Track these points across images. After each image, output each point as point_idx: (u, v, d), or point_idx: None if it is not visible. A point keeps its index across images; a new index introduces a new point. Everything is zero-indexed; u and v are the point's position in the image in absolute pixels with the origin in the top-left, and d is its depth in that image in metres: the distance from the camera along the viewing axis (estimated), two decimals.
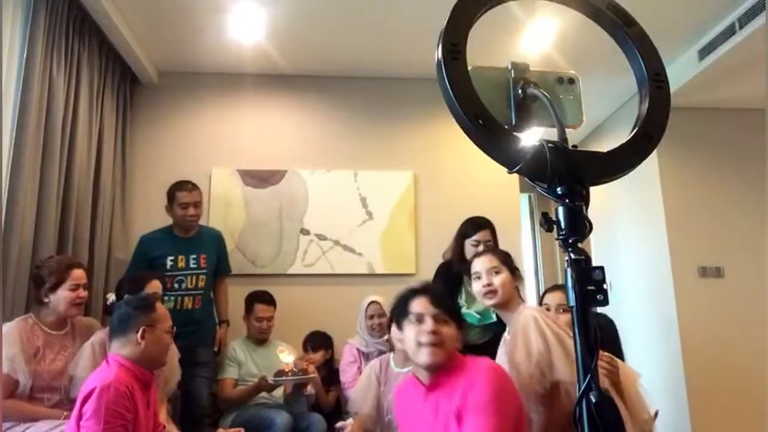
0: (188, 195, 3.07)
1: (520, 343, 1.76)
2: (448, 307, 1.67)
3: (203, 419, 2.98)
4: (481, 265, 1.98)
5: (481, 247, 2.68)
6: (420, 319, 1.62)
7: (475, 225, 2.78)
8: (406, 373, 2.26)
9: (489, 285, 1.90)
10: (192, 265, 3.09)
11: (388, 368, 2.38)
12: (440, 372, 1.60)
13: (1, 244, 2.31)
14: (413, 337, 1.61)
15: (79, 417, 1.68)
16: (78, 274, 2.35)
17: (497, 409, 1.44)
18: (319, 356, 3.29)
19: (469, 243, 2.75)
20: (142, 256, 3.09)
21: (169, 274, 3.03)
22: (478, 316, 2.70)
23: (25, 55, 2.58)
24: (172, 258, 3.06)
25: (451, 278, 2.79)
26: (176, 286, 3.05)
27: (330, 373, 3.28)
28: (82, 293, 2.34)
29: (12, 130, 2.51)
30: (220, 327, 3.24)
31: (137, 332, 1.83)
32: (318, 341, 3.38)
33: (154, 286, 2.60)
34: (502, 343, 2.03)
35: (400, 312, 1.70)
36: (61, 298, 2.28)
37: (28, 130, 2.54)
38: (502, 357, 2.02)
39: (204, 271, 3.13)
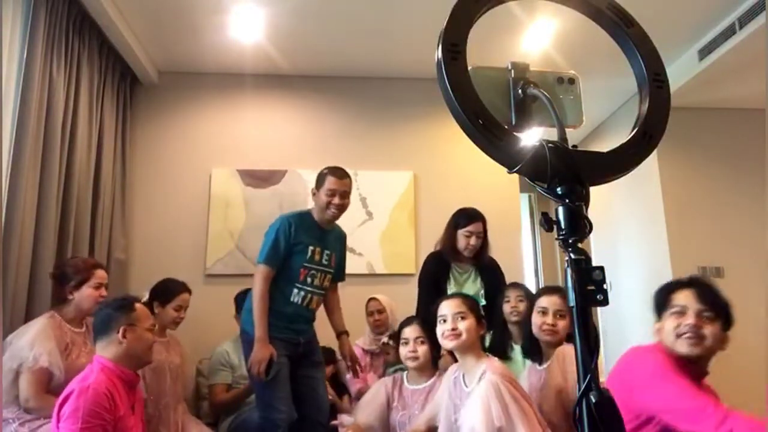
0: (338, 182, 2.64)
1: (481, 412, 1.76)
2: (717, 304, 1.63)
3: (319, 428, 2.60)
4: (447, 308, 2.04)
5: (473, 239, 2.78)
6: (683, 311, 1.61)
7: (468, 216, 2.84)
8: (421, 389, 2.25)
9: (454, 329, 1.97)
10: (324, 262, 2.68)
11: (402, 386, 2.35)
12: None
13: (1, 244, 2.31)
14: (672, 329, 1.60)
15: (59, 420, 1.69)
16: (101, 273, 2.47)
17: None
18: (328, 371, 3.28)
19: (461, 234, 2.81)
20: (287, 238, 2.61)
21: (306, 265, 2.62)
22: None
23: (25, 55, 2.59)
24: (312, 248, 2.64)
25: (440, 266, 2.85)
26: (309, 280, 2.62)
27: (337, 387, 3.27)
28: (104, 292, 2.46)
29: (12, 130, 2.51)
30: (339, 339, 2.84)
31: (118, 332, 1.88)
32: (327, 357, 3.37)
33: (183, 300, 2.78)
34: (452, 383, 2.05)
35: (661, 302, 1.67)
36: (85, 295, 2.39)
37: (28, 130, 2.54)
38: (444, 395, 2.05)
39: (332, 271, 2.74)
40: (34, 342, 2.17)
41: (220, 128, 3.98)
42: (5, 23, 2.46)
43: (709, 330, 1.59)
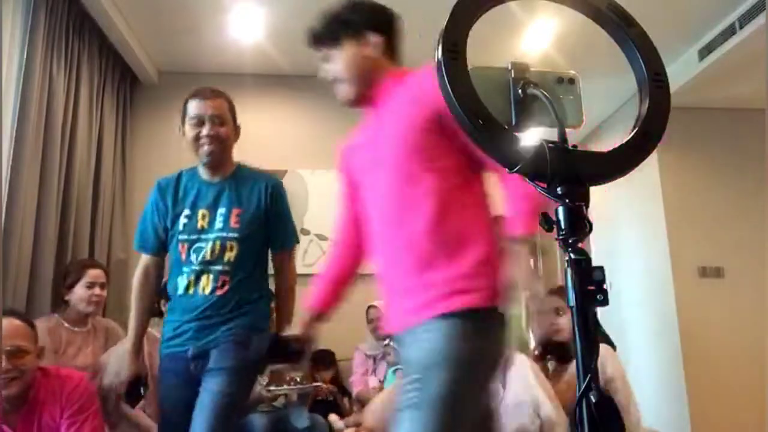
0: (202, 104, 1.91)
1: (521, 385, 1.89)
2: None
3: None
4: None
5: None
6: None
7: None
8: None
9: None
10: (218, 225, 1.88)
11: None
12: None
13: (1, 244, 2.31)
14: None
15: None
16: (94, 273, 2.47)
17: None
18: (329, 375, 3.30)
19: None
20: (155, 208, 2.02)
21: (183, 239, 1.89)
22: None
23: (25, 55, 2.59)
24: (188, 213, 1.92)
25: None
26: (192, 257, 1.86)
27: (338, 389, 3.28)
28: (98, 291, 2.45)
29: (12, 130, 2.52)
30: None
31: None
32: (328, 360, 3.38)
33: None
34: None
35: None
36: (77, 295, 2.41)
37: (28, 130, 2.55)
38: None
39: (235, 235, 1.87)
40: None
41: None
42: (5, 23, 2.46)
43: None
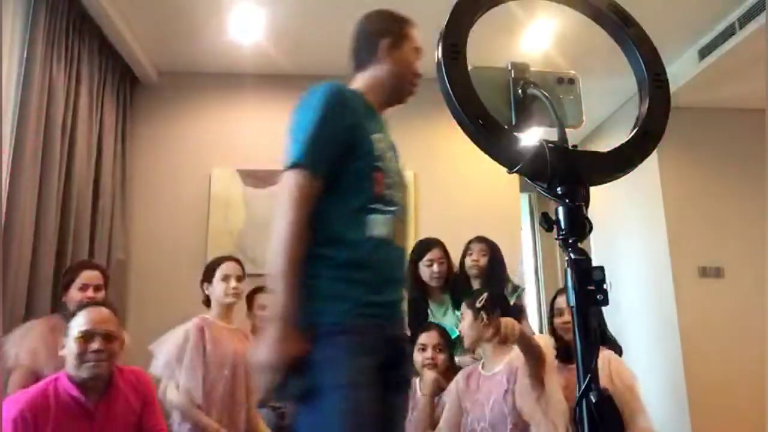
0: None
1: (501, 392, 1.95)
2: None
3: None
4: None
5: (435, 266, 2.68)
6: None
7: (423, 246, 2.76)
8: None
9: (460, 331, 2.09)
10: (395, 167, 1.55)
11: (415, 396, 2.18)
12: None
13: (1, 245, 2.31)
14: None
15: None
16: (87, 274, 2.41)
17: None
18: None
19: (423, 266, 2.72)
20: (329, 118, 1.37)
21: (380, 165, 1.41)
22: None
23: (25, 55, 2.59)
24: (379, 137, 1.46)
25: (418, 311, 2.70)
26: (386, 194, 1.40)
27: None
28: (91, 293, 2.38)
29: (12, 130, 2.51)
30: None
31: None
32: None
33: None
34: (463, 381, 2.09)
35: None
36: (71, 297, 2.37)
37: (28, 130, 2.54)
38: (452, 394, 2.08)
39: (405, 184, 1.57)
40: (18, 341, 2.18)
41: (220, 128, 3.97)
42: (5, 23, 2.46)
43: None
